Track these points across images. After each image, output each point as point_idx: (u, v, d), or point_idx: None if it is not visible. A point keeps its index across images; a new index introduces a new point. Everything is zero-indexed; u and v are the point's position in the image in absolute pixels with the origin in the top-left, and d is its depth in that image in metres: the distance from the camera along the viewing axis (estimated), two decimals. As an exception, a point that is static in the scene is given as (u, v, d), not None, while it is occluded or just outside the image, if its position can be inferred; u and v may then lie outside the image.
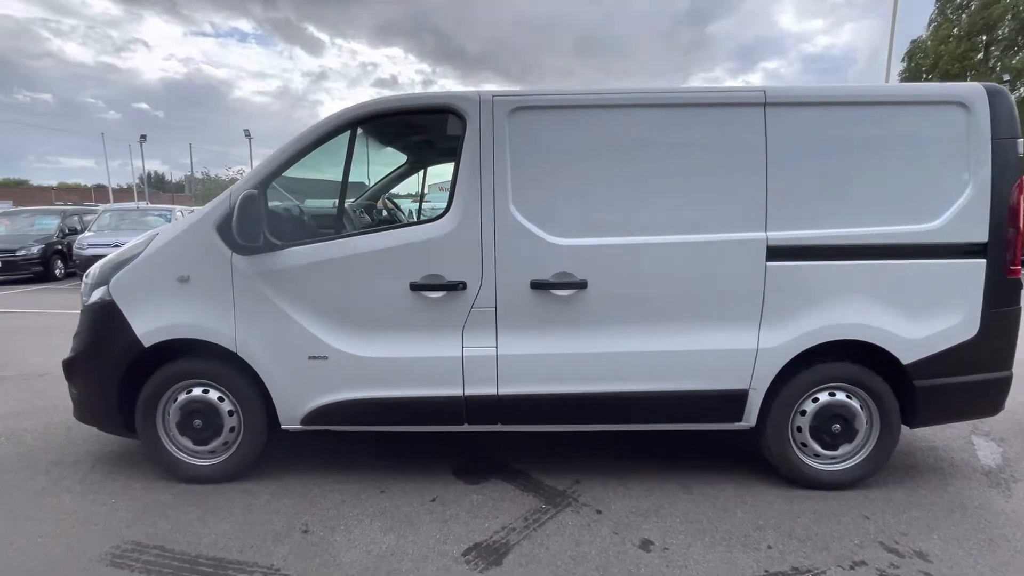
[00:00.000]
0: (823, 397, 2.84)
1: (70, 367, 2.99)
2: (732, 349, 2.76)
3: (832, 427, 2.84)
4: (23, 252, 12.37)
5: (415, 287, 2.73)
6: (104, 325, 2.88)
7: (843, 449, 2.88)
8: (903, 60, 29.41)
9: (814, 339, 2.75)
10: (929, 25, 29.62)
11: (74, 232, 13.57)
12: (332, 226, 2.90)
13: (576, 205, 2.72)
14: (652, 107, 2.71)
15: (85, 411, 3.03)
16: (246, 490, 2.90)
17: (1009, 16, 26.50)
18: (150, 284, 2.83)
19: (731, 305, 2.74)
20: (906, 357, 2.74)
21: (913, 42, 29.63)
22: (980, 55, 27.86)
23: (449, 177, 2.79)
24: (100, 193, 50.27)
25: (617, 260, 2.71)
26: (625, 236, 2.71)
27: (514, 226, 2.70)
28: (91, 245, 11.54)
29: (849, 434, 2.85)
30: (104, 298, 2.87)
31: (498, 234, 2.70)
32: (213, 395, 2.92)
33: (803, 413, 2.85)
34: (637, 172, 2.72)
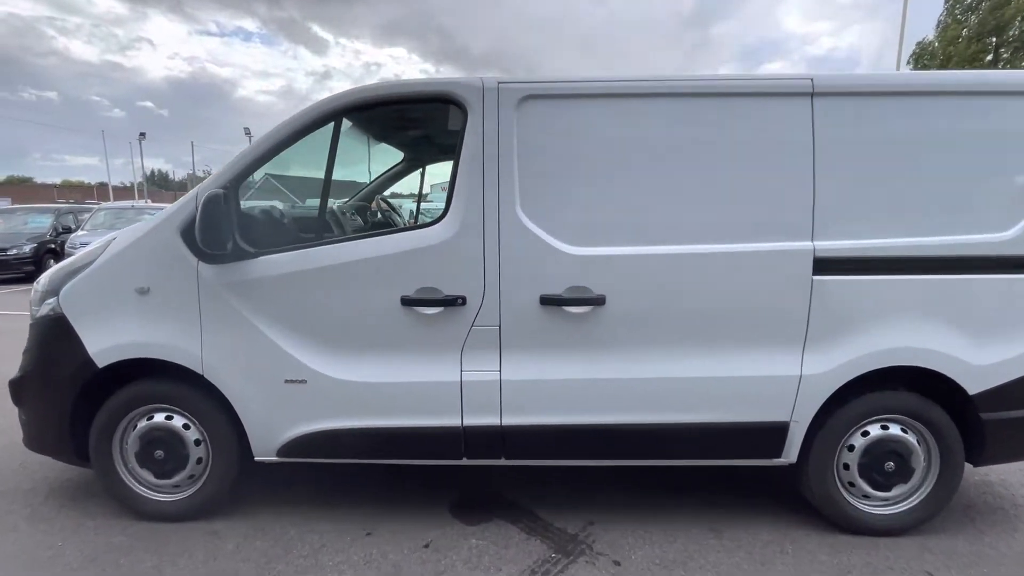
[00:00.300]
0: (875, 431, 2.48)
1: (17, 389, 2.65)
2: (771, 376, 2.40)
3: (885, 465, 2.47)
4: (15, 251, 12.08)
5: (407, 302, 2.37)
6: (53, 341, 2.53)
7: (897, 490, 2.51)
8: (909, 63, 28.91)
9: (866, 365, 2.38)
10: (937, 27, 29.17)
11: (68, 231, 13.28)
12: (314, 231, 2.54)
13: (593, 209, 2.36)
14: (682, 97, 2.34)
15: (34, 438, 2.68)
16: (213, 531, 2.55)
17: (1020, 18, 26.03)
18: (105, 295, 2.48)
19: (770, 325, 2.38)
20: (973, 386, 2.37)
21: (919, 44, 29.17)
22: (990, 56, 27.39)
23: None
24: (103, 191, 50.09)
25: (640, 273, 2.35)
26: (649, 245, 2.35)
27: (522, 233, 2.34)
28: (83, 244, 11.21)
29: (904, 473, 2.48)
30: (54, 310, 2.52)
31: (503, 242, 2.34)
32: (177, 422, 2.56)
33: (851, 448, 2.49)
34: (664, 172, 2.35)
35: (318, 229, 2.53)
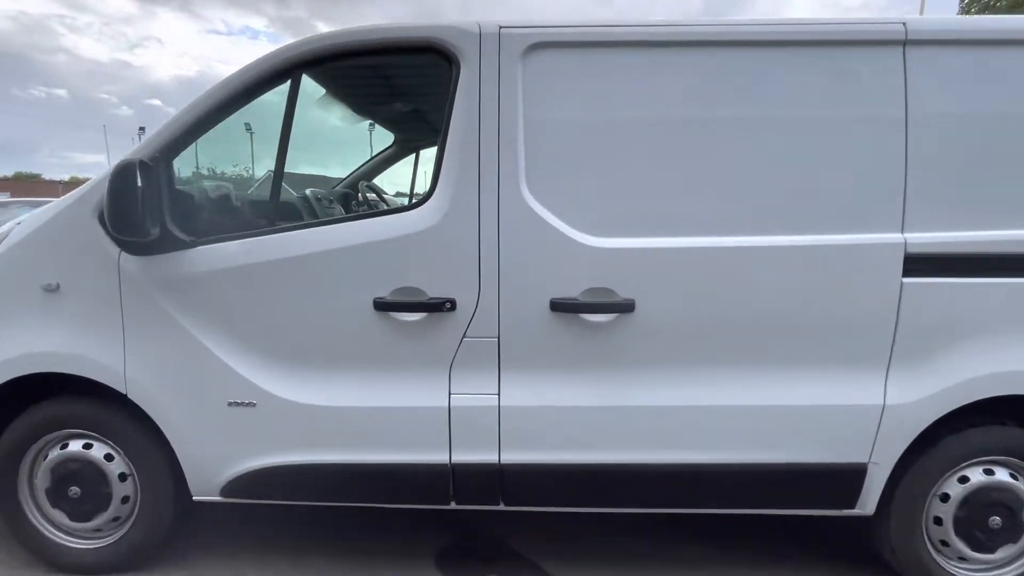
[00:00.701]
0: (976, 476, 1.94)
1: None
2: (845, 405, 1.88)
3: (989, 520, 1.94)
4: (3, 246, 11.72)
5: (381, 306, 1.87)
6: (-56, 351, 2.04)
7: (1003, 552, 1.97)
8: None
9: (970, 393, 1.85)
10: (957, 25, 28.47)
11: (60, 226, 12.91)
12: (267, 216, 2.03)
13: (621, 189, 1.85)
14: (739, 47, 1.82)
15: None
16: (140, 589, 2.05)
17: (1042, 16, 25.31)
18: (3, 294, 1.99)
19: (846, 340, 1.86)
20: (1108, 422, 1.84)
21: (937, 42, 28.41)
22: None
23: None
24: (109, 188, 49.85)
25: (680, 271, 1.83)
26: (692, 236, 1.83)
27: (528, 218, 1.83)
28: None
29: (1013, 530, 1.95)
30: (-54, 312, 2.03)
31: (504, 229, 1.84)
32: (98, 452, 2.07)
33: (945, 499, 1.95)
34: (711, 142, 1.83)
35: (272, 214, 2.02)
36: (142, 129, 37.61)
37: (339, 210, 3.26)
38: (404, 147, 3.72)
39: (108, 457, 2.07)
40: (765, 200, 1.83)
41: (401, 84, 2.78)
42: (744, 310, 1.85)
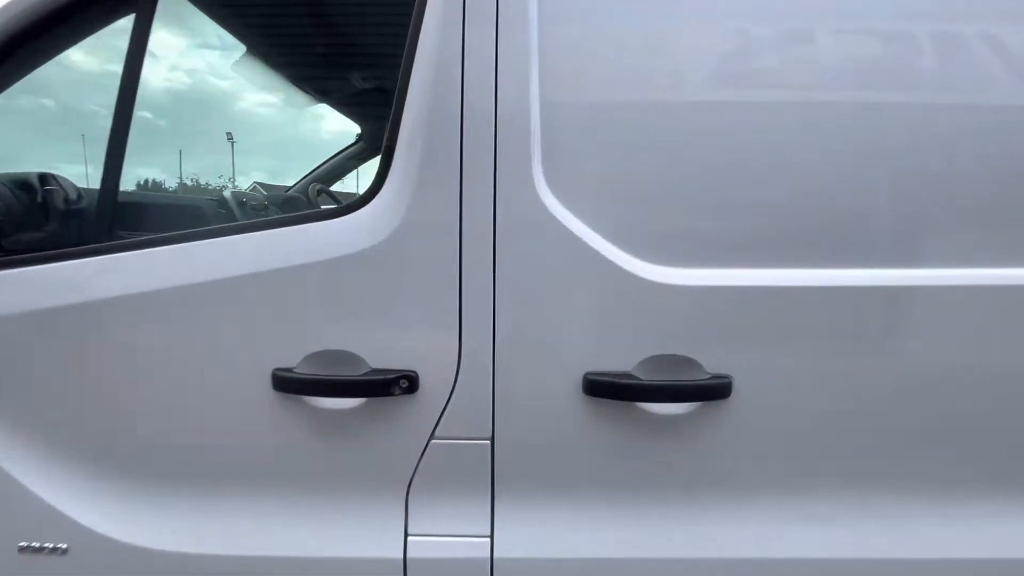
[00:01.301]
0: None
1: None
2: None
3: None
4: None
5: (286, 384, 1.07)
6: None
7: None
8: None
9: None
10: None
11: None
12: (107, 225, 1.21)
13: (706, 186, 1.07)
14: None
15: None
16: None
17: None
18: None
19: None
20: None
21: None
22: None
23: None
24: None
25: (810, 328, 1.06)
26: (839, 268, 1.06)
27: (546, 234, 1.05)
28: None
29: None
30: None
31: (503, 253, 1.05)
32: None
33: None
34: (857, 107, 1.06)
35: (104, 222, 1.20)
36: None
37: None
38: (375, 137, 2.93)
39: None
40: (966, 207, 1.06)
41: (338, 20, 1.82)
42: (929, 395, 1.07)
